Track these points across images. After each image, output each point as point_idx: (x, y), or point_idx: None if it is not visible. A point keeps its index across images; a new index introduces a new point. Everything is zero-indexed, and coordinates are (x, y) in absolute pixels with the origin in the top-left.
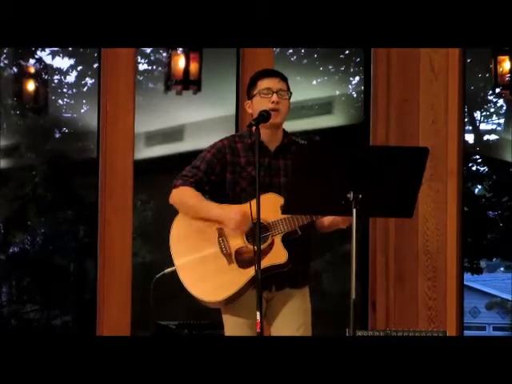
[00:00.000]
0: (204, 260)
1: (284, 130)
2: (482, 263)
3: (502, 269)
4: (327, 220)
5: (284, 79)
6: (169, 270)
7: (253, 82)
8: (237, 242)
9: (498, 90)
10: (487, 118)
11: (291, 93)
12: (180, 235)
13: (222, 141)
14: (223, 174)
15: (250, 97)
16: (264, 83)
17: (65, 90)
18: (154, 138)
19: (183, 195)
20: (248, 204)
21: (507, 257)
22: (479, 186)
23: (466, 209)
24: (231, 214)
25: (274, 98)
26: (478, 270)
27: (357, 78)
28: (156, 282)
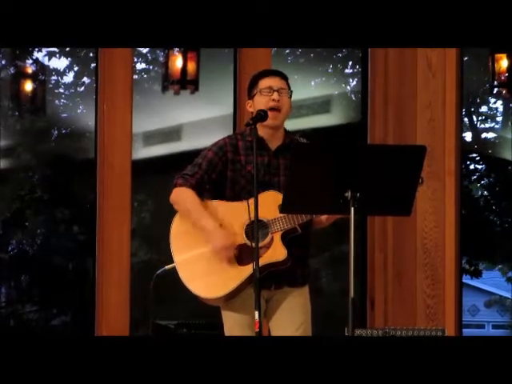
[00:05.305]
0: (203, 257)
1: (286, 129)
2: (481, 264)
3: (500, 266)
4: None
5: (284, 78)
6: (169, 266)
7: (254, 82)
8: (236, 239)
9: (495, 88)
10: (485, 116)
11: (292, 91)
12: (180, 231)
13: (224, 139)
14: (224, 171)
15: (251, 96)
16: (265, 82)
17: (62, 91)
18: (151, 137)
19: (181, 197)
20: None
21: (506, 255)
22: (477, 185)
23: (463, 207)
24: (218, 237)
25: (275, 95)
26: (476, 273)
27: (355, 78)
28: (155, 282)
